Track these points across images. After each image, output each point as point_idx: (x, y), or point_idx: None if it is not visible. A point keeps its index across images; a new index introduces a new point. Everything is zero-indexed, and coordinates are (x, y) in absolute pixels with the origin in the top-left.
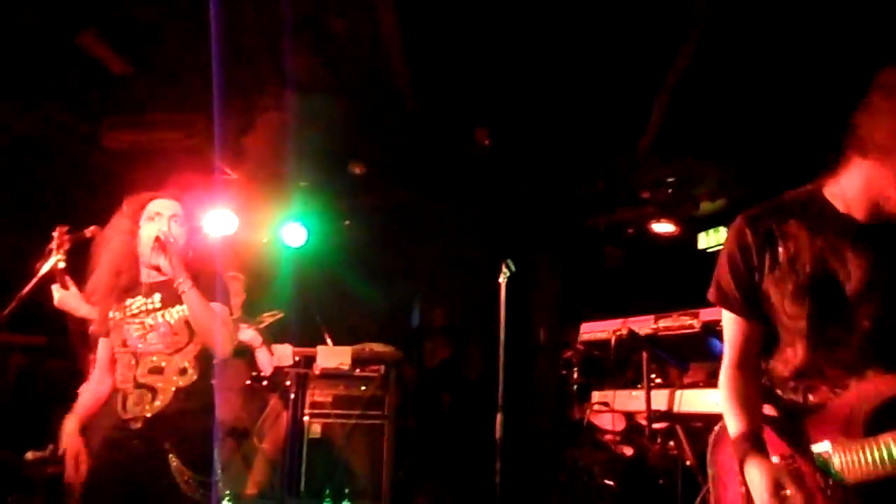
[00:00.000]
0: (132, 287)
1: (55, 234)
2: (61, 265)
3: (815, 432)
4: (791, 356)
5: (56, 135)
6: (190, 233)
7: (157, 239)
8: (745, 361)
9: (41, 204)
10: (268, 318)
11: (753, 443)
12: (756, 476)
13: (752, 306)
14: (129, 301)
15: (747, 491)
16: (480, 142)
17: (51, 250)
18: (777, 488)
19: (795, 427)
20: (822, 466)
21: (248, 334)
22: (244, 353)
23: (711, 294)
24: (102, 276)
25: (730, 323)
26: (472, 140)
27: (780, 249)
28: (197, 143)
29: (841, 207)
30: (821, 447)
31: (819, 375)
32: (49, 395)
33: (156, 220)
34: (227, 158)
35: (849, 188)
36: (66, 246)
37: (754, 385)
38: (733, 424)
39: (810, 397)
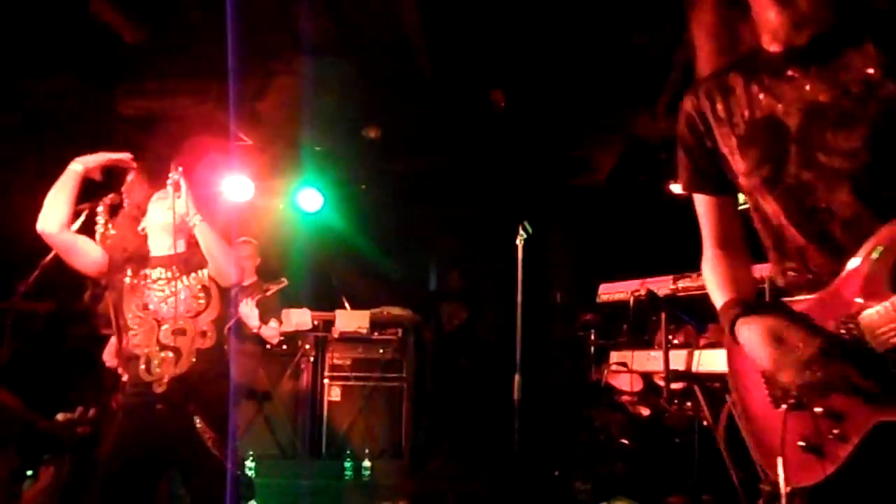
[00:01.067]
0: (144, 259)
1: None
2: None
3: (832, 302)
4: (767, 224)
5: (71, 103)
6: (197, 205)
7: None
8: (728, 240)
9: (59, 173)
10: (273, 286)
11: (743, 306)
12: (750, 333)
13: (715, 178)
14: (148, 270)
15: (767, 394)
16: (496, 104)
17: (79, 212)
18: (775, 337)
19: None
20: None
21: (248, 312)
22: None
23: (681, 186)
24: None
25: (701, 207)
26: (487, 102)
27: (720, 105)
28: (210, 110)
29: (768, 44)
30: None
31: (802, 231)
32: (72, 360)
33: (160, 200)
34: (242, 124)
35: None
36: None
37: (742, 265)
38: (719, 298)
39: (810, 263)
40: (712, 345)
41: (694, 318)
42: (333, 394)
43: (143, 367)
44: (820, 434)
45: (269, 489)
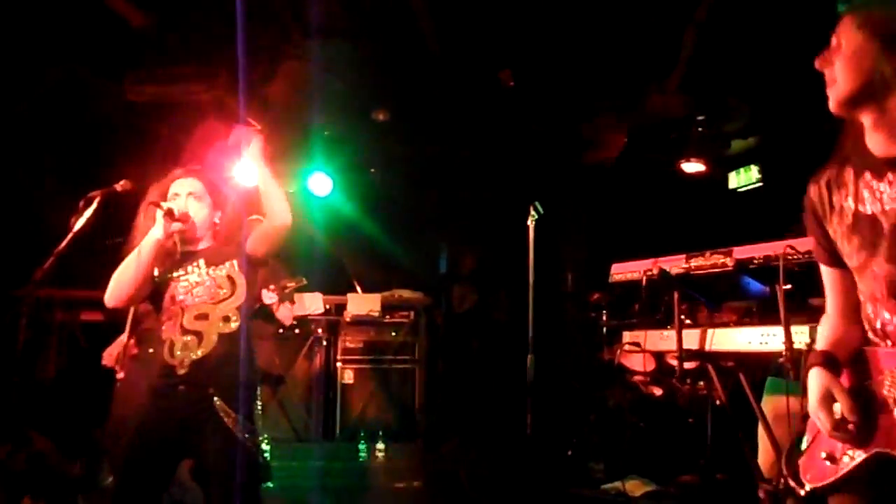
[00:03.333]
0: (171, 256)
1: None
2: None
3: None
4: (864, 300)
5: (79, 91)
6: (214, 203)
7: (165, 210)
8: (847, 310)
9: (72, 159)
10: (290, 284)
11: (824, 358)
12: (813, 383)
13: (836, 254)
14: (177, 269)
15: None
16: (505, 84)
17: (92, 199)
18: (828, 397)
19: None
20: None
21: (269, 297)
22: (265, 312)
23: (814, 256)
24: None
25: (826, 277)
26: (496, 82)
27: (836, 197)
28: (219, 95)
29: (875, 144)
30: None
31: (886, 310)
32: (90, 346)
33: (175, 200)
34: (251, 109)
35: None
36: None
37: (853, 333)
38: (816, 350)
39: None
40: (725, 324)
41: (707, 297)
42: (346, 377)
43: (167, 351)
44: (838, 450)
45: (284, 472)
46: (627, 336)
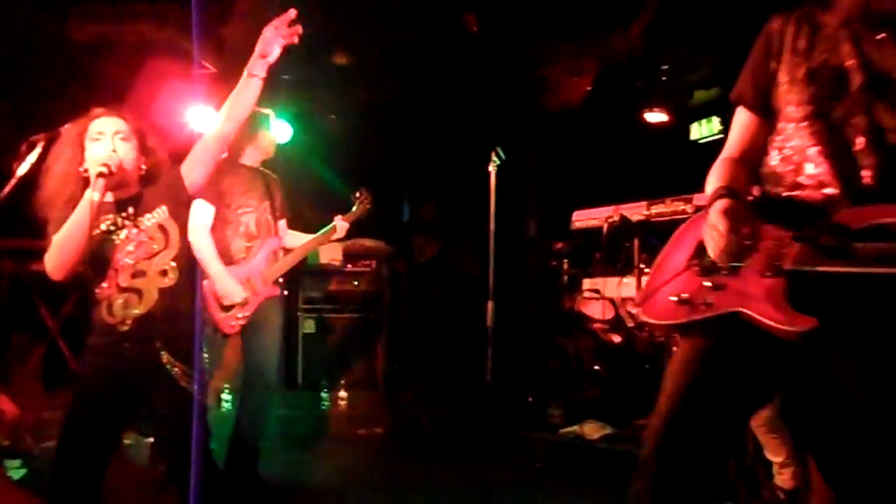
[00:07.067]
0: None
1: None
2: None
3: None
4: (787, 157)
5: (18, 29)
6: (140, 146)
7: (100, 175)
8: (742, 156)
9: (13, 100)
10: None
11: (729, 190)
12: (718, 207)
13: (763, 100)
14: (105, 222)
15: (690, 256)
16: (468, 28)
17: (35, 143)
18: (737, 224)
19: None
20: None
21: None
22: None
23: (732, 94)
24: (53, 204)
25: (738, 119)
26: (459, 27)
27: (804, 35)
28: (171, 35)
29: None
30: None
31: (829, 167)
32: (40, 296)
33: (100, 139)
34: (206, 51)
35: None
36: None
37: (745, 174)
38: (712, 185)
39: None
40: None
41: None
42: (307, 326)
43: (104, 311)
44: (696, 296)
45: None
46: (587, 283)
